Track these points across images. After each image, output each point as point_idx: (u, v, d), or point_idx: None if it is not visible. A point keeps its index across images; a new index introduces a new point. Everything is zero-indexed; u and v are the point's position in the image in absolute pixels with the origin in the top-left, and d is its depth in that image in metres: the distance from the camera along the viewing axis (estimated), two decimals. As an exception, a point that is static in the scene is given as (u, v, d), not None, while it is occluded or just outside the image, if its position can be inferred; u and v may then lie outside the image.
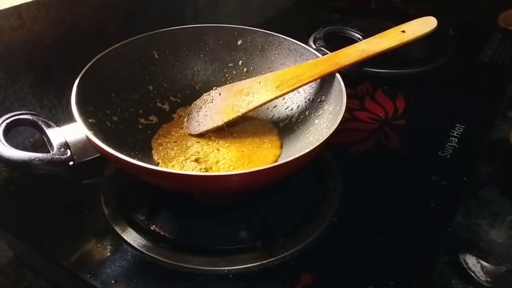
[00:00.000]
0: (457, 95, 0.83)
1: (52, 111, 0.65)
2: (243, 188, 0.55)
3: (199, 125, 0.63)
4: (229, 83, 0.70)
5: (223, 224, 0.58)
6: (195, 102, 0.67)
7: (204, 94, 0.67)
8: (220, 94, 0.65)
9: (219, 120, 0.62)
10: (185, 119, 0.66)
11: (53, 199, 0.59)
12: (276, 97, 0.60)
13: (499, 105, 0.81)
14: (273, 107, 0.68)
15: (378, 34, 0.61)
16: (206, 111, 0.64)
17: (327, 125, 0.58)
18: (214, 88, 0.67)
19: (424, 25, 0.60)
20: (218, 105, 0.64)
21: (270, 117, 0.68)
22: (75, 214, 0.57)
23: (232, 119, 0.61)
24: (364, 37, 0.70)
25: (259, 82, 0.62)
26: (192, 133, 0.63)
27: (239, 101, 0.62)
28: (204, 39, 0.70)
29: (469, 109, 0.79)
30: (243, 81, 0.65)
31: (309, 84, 0.64)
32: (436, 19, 0.60)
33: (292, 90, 0.60)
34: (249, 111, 0.61)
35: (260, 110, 0.69)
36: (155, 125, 0.65)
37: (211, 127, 0.62)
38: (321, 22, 0.79)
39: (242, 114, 0.61)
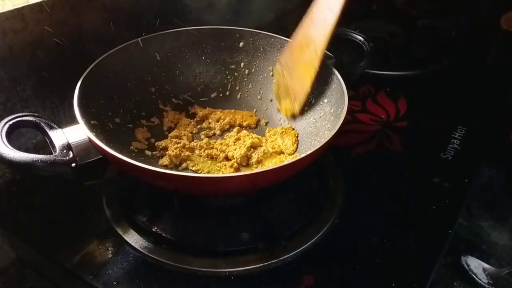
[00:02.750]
0: (459, 97, 0.83)
1: (54, 113, 0.65)
2: (245, 190, 0.55)
3: (294, 102, 0.61)
4: (231, 85, 0.71)
5: (225, 226, 0.58)
6: (274, 87, 0.66)
7: (274, 73, 0.66)
8: (287, 63, 0.62)
9: (304, 86, 0.59)
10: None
11: (55, 200, 0.59)
12: (335, 23, 0.57)
13: (501, 107, 0.81)
14: (276, 111, 0.69)
15: None
16: (290, 88, 0.62)
17: (328, 127, 0.58)
18: (277, 59, 0.65)
19: None
20: (293, 75, 0.61)
21: (272, 119, 0.68)
22: (77, 216, 0.57)
23: (313, 75, 0.59)
24: (366, 40, 0.70)
25: (309, 26, 0.60)
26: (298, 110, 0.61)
27: (306, 55, 0.60)
28: (206, 41, 0.70)
29: (471, 111, 0.79)
30: (294, 35, 0.62)
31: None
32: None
33: None
34: (322, 56, 0.59)
35: (263, 112, 0.69)
36: (157, 126, 0.66)
37: (303, 96, 0.60)
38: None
39: (319, 64, 0.59)
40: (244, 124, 0.68)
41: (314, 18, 0.59)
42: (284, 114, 0.64)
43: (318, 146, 0.49)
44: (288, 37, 0.67)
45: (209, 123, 0.68)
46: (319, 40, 0.58)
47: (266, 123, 0.68)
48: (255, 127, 0.68)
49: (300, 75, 0.59)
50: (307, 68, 0.59)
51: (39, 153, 0.46)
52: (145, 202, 0.59)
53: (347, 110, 0.54)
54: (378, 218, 0.58)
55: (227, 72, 0.71)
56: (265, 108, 0.69)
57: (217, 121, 0.68)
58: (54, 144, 0.48)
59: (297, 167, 0.49)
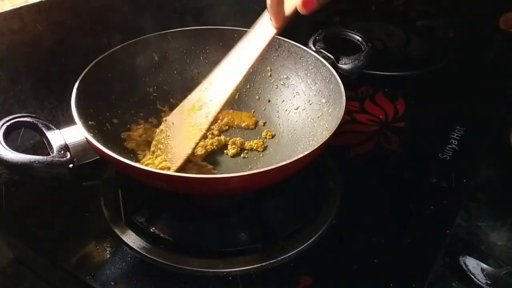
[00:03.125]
0: (458, 97, 0.83)
1: (52, 114, 0.65)
2: (243, 190, 0.55)
3: (171, 162, 0.56)
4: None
5: (223, 226, 0.58)
6: (153, 143, 0.60)
7: (157, 132, 0.61)
8: (173, 124, 0.59)
9: (187, 148, 0.56)
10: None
11: (53, 201, 0.59)
12: (235, 89, 0.55)
13: (500, 107, 0.81)
14: (275, 111, 0.69)
15: None
16: (170, 147, 0.58)
17: (326, 127, 0.58)
18: (164, 119, 0.62)
19: None
20: (178, 135, 0.58)
21: (270, 119, 0.68)
22: (75, 216, 0.57)
23: (199, 140, 0.56)
24: (365, 40, 0.70)
25: (206, 89, 0.58)
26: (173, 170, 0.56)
27: (196, 118, 0.57)
28: (204, 42, 0.70)
29: (469, 111, 0.79)
30: (189, 96, 0.60)
31: (309, 86, 0.65)
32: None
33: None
34: (211, 123, 0.56)
35: (261, 112, 0.69)
36: (155, 127, 0.65)
37: (183, 159, 0.55)
38: (321, 24, 0.79)
39: (206, 130, 0.56)
40: (243, 125, 0.68)
41: (212, 83, 0.57)
42: (155, 165, 0.57)
43: (316, 147, 0.49)
44: (286, 37, 0.67)
45: None
46: (213, 105, 0.56)
47: (264, 124, 0.68)
48: (254, 128, 0.68)
49: (183, 137, 0.57)
50: (194, 132, 0.56)
51: (36, 154, 0.46)
52: (143, 203, 0.59)
53: (345, 111, 0.54)
54: (376, 219, 0.58)
55: (225, 73, 0.71)
56: (263, 109, 0.69)
57: (215, 122, 0.68)
58: (51, 145, 0.48)
59: (295, 168, 0.49)
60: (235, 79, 0.55)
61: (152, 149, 0.59)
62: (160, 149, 0.58)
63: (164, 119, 0.62)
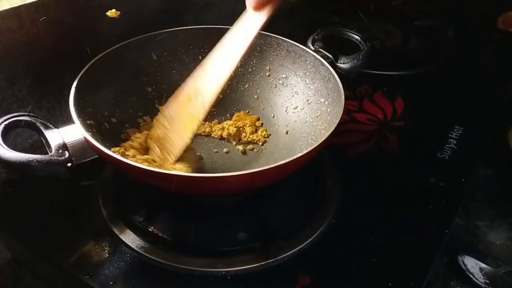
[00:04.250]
0: (456, 96, 0.83)
1: (50, 113, 0.65)
2: (241, 189, 0.55)
3: (171, 152, 0.56)
4: (227, 85, 0.70)
5: (221, 226, 0.57)
6: (150, 134, 0.59)
7: (154, 124, 0.60)
8: (169, 114, 0.58)
9: (185, 138, 0.56)
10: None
11: (52, 200, 0.59)
12: (227, 78, 0.56)
13: (498, 107, 0.81)
14: (273, 110, 0.69)
15: None
16: (168, 138, 0.57)
17: (325, 126, 0.58)
18: (159, 114, 0.60)
19: None
20: (175, 125, 0.58)
21: (268, 119, 0.68)
22: (73, 216, 0.57)
23: (197, 129, 0.57)
24: (363, 39, 0.70)
25: (199, 78, 0.58)
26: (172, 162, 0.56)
27: (192, 107, 0.57)
28: (203, 41, 0.69)
29: (468, 110, 0.79)
30: (183, 87, 0.59)
31: (308, 86, 0.65)
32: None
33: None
34: (209, 110, 0.56)
35: (260, 112, 0.69)
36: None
37: (181, 148, 0.55)
38: (320, 24, 0.79)
39: (203, 118, 0.56)
40: (241, 125, 0.68)
41: (207, 71, 0.58)
42: (157, 161, 0.57)
43: (315, 146, 0.49)
44: (285, 36, 0.67)
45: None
46: (208, 93, 0.56)
47: (262, 124, 0.68)
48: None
49: (181, 127, 0.57)
50: (190, 121, 0.56)
51: (35, 153, 0.46)
52: (142, 202, 0.59)
53: (344, 110, 0.54)
54: (375, 218, 0.58)
55: (223, 72, 0.71)
56: (262, 108, 0.69)
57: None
58: (49, 144, 0.48)
59: (293, 167, 0.49)
60: (227, 69, 0.56)
61: (151, 139, 0.58)
62: (159, 142, 0.57)
63: (160, 108, 0.61)
